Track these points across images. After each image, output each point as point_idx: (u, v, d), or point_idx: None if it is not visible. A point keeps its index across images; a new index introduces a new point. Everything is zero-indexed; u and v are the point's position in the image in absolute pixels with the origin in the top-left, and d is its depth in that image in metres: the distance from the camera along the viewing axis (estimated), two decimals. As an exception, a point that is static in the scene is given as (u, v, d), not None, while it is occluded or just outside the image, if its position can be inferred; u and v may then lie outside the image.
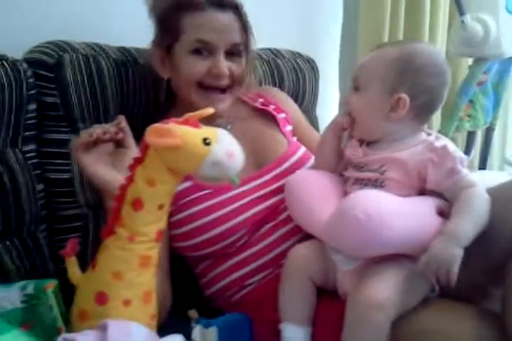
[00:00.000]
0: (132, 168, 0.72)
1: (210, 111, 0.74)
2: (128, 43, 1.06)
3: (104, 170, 0.81)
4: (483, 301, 0.84)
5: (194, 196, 0.92)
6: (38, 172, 0.92)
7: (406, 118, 0.83)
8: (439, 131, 1.65)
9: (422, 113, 0.84)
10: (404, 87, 0.82)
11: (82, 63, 0.94)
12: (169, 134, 0.67)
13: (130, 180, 0.72)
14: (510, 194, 0.82)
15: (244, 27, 0.96)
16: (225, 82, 0.94)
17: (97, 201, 0.95)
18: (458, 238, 0.75)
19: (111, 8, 1.13)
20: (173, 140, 0.67)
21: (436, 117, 1.81)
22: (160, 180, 0.71)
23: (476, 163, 1.89)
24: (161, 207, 0.72)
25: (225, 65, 0.92)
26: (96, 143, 0.81)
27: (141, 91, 1.03)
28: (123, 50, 1.03)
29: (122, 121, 0.84)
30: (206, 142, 0.68)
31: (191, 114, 0.73)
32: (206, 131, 0.70)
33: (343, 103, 0.90)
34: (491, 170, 1.92)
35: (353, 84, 0.87)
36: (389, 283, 0.75)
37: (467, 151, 1.78)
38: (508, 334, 0.73)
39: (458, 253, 0.75)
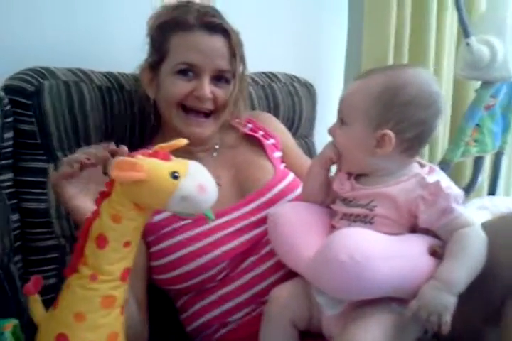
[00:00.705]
0: (98, 202, 0.68)
1: (183, 142, 0.70)
2: (115, 68, 1.04)
3: (88, 202, 0.74)
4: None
5: (173, 227, 0.88)
6: (13, 202, 0.89)
7: (394, 153, 0.78)
8: (444, 157, 1.60)
9: (412, 146, 0.78)
10: (389, 123, 0.76)
11: (62, 90, 0.91)
12: (134, 168, 0.64)
13: (96, 214, 0.68)
14: (504, 229, 0.77)
15: (234, 54, 0.93)
16: (208, 105, 0.91)
17: (74, 232, 0.92)
18: (450, 285, 0.70)
19: (100, 32, 1.12)
20: (137, 174, 0.63)
21: (443, 142, 1.76)
22: (126, 216, 0.67)
23: (485, 188, 1.82)
24: (127, 244, 0.68)
25: (208, 88, 0.90)
26: (82, 168, 0.74)
27: (127, 119, 1.01)
28: (108, 76, 1.01)
29: (112, 144, 0.77)
30: (174, 175, 0.65)
31: (162, 145, 0.69)
32: (175, 163, 0.67)
33: (328, 132, 0.85)
34: (503, 196, 1.85)
35: (338, 115, 0.82)
36: (376, 330, 0.70)
37: (474, 177, 1.71)
38: None
39: (450, 302, 0.70)
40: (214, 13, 0.93)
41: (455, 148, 1.58)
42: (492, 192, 1.79)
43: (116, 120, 0.99)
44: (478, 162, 1.73)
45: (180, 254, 0.87)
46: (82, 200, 0.75)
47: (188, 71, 0.90)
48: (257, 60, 1.01)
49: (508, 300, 0.72)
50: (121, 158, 0.65)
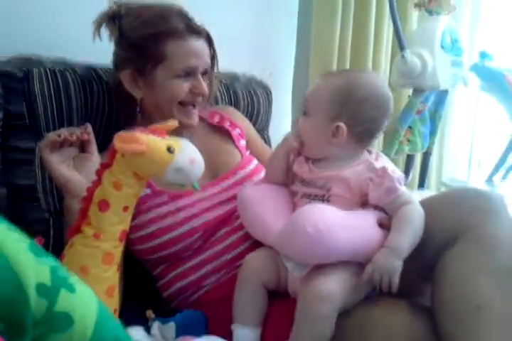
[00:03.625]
0: (99, 172, 0.78)
1: (175, 123, 0.82)
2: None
3: (67, 170, 0.90)
4: (416, 297, 0.93)
5: (152, 202, 0.98)
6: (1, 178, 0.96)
7: (348, 143, 0.90)
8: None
9: (362, 139, 0.91)
10: (344, 117, 0.88)
11: (49, 77, 1.00)
12: (135, 141, 0.74)
13: (97, 183, 0.77)
14: (437, 205, 0.91)
15: (213, 52, 1.07)
16: (200, 99, 1.04)
17: (60, 207, 1.00)
18: (398, 252, 0.83)
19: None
20: (138, 146, 0.74)
21: (379, 140, 1.95)
22: (126, 183, 0.77)
23: (416, 183, 2.04)
24: (125, 208, 0.78)
25: (205, 86, 1.02)
26: (62, 145, 0.90)
27: (105, 105, 1.09)
28: (89, 67, 1.10)
29: (88, 126, 0.94)
30: (170, 150, 0.76)
31: (157, 125, 0.80)
32: (170, 140, 0.78)
33: (294, 123, 0.98)
34: (429, 190, 2.07)
35: (302, 108, 0.95)
36: (335, 279, 0.83)
37: (406, 173, 1.91)
38: (436, 324, 0.82)
39: (398, 265, 0.83)
40: (190, 17, 1.03)
41: (390, 146, 1.78)
42: (421, 187, 2.01)
43: (95, 107, 1.08)
44: (409, 159, 1.94)
45: (158, 227, 0.96)
46: (65, 169, 0.90)
47: (186, 73, 1.00)
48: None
49: (438, 260, 0.86)
50: (125, 132, 0.76)
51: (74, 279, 0.53)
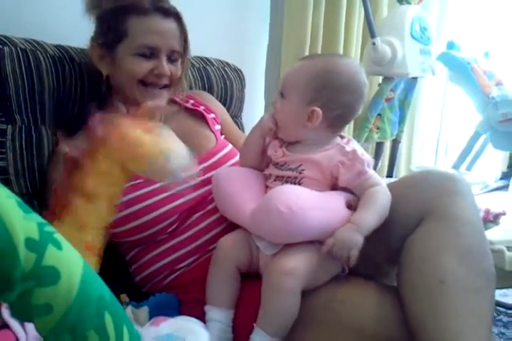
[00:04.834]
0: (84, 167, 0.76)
1: (147, 104, 0.82)
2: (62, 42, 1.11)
3: None
4: (383, 278, 0.96)
5: (127, 185, 0.97)
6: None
7: (321, 127, 0.92)
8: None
9: (336, 123, 0.93)
10: (319, 101, 0.89)
11: (20, 56, 0.97)
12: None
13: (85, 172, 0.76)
14: (402, 188, 0.93)
15: (183, 35, 1.05)
16: (164, 81, 1.04)
17: (32, 190, 0.99)
18: (361, 227, 0.86)
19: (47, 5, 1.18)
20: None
21: (349, 128, 1.98)
22: (111, 183, 0.76)
23: (385, 171, 2.08)
24: (111, 201, 0.78)
25: (167, 67, 1.02)
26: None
27: (77, 87, 1.08)
28: (60, 48, 1.08)
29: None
30: (166, 157, 0.74)
31: (136, 111, 0.80)
32: (161, 139, 0.78)
33: (271, 105, 0.98)
34: (397, 178, 2.11)
35: (279, 90, 0.95)
36: (299, 257, 0.85)
37: (376, 160, 1.95)
38: (402, 301, 0.85)
39: (359, 240, 0.85)
40: None
41: (360, 133, 1.81)
42: (390, 174, 2.05)
43: (67, 88, 1.06)
44: (379, 147, 1.98)
45: (135, 209, 0.96)
46: None
47: (146, 52, 1.00)
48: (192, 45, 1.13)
49: (404, 243, 0.89)
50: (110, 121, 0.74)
51: (59, 236, 0.54)
